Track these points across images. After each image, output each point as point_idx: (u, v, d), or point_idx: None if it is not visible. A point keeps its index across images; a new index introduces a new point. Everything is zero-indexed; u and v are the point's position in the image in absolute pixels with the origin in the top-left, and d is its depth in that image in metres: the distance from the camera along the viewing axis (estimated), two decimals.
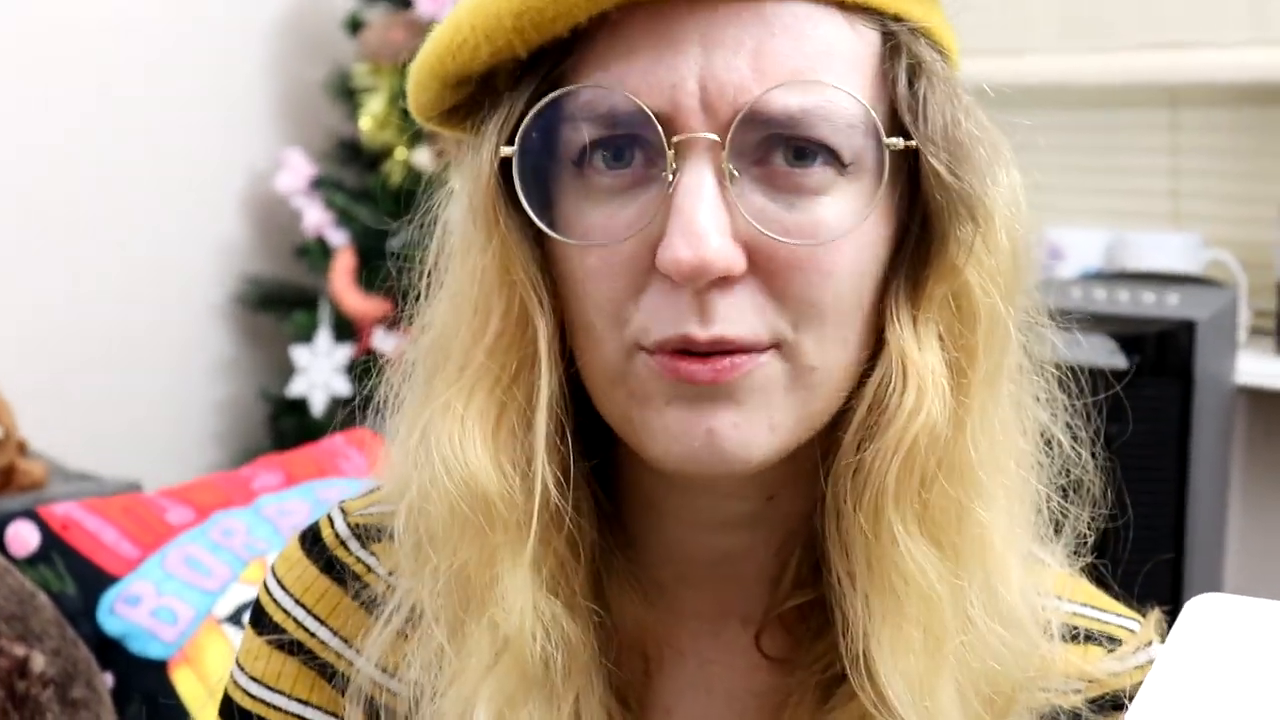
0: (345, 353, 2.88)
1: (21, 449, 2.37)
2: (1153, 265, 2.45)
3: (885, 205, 0.74)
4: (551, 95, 0.72)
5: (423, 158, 2.78)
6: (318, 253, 2.92)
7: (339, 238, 2.88)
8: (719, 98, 0.70)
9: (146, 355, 2.93)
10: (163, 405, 2.97)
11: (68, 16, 2.75)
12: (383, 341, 2.78)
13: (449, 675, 0.77)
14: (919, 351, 0.74)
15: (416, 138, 2.79)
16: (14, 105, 2.69)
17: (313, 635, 0.86)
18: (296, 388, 2.89)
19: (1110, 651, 0.85)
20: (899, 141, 0.73)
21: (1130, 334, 2.08)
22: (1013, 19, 2.67)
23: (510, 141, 0.73)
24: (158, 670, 2.02)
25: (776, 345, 0.72)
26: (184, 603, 2.09)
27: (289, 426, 2.93)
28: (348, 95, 2.92)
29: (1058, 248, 2.59)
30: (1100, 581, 0.88)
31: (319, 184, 2.93)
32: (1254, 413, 2.45)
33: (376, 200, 2.86)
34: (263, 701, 0.86)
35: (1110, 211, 2.69)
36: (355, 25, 2.93)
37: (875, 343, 0.75)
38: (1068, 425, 0.82)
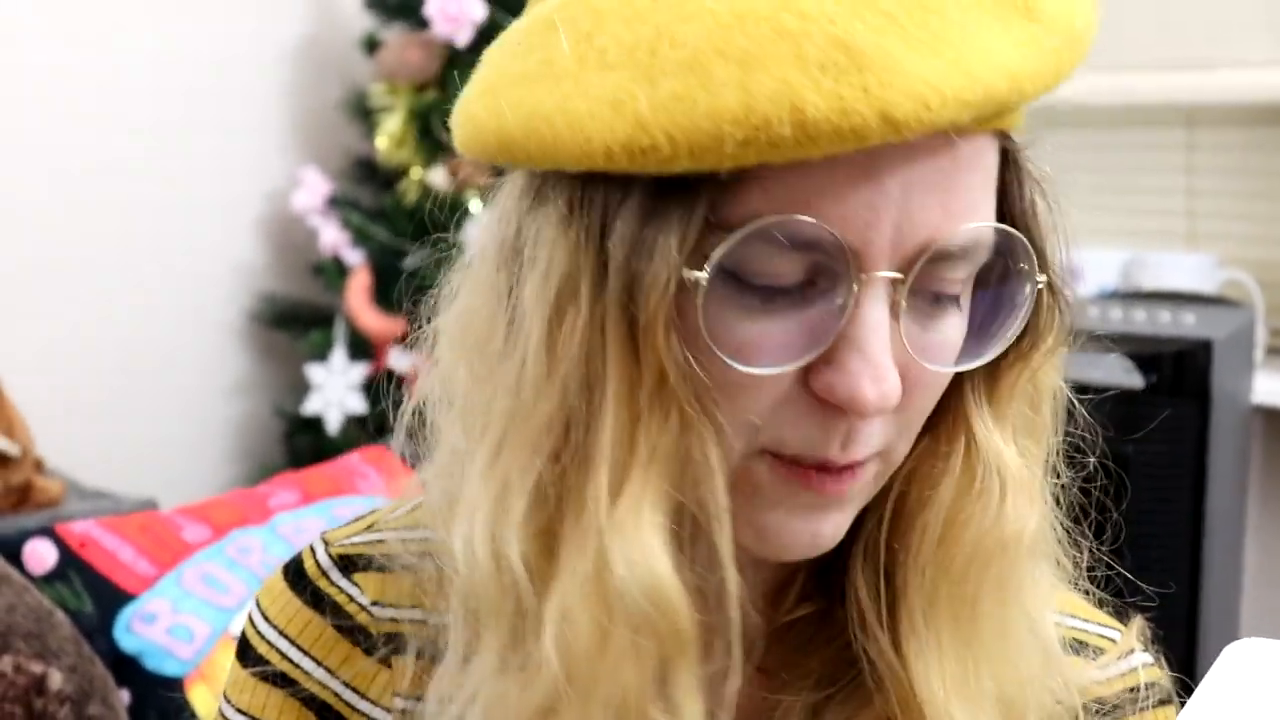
0: (360, 371, 2.89)
1: (39, 466, 2.38)
2: (1169, 285, 2.44)
3: None
4: (757, 225, 0.66)
5: (438, 177, 2.79)
6: (333, 271, 2.93)
7: (355, 256, 2.89)
8: (910, 237, 0.67)
9: (163, 372, 2.94)
10: (179, 422, 2.98)
11: (88, 40, 2.76)
12: (398, 360, 2.79)
13: None
14: (1003, 443, 0.75)
15: (432, 157, 2.79)
16: (38, 127, 2.71)
17: (297, 666, 0.85)
18: (312, 405, 2.90)
19: (1093, 660, 0.86)
20: (1042, 279, 0.73)
21: (1147, 353, 2.08)
22: None
23: (696, 265, 0.66)
24: (174, 688, 2.03)
25: (881, 452, 0.73)
26: (200, 620, 2.09)
27: (304, 444, 2.94)
28: (364, 114, 2.92)
29: (1075, 267, 2.59)
30: (1116, 599, 0.89)
31: (335, 203, 2.94)
32: (1271, 432, 2.45)
33: (392, 219, 2.86)
34: None
35: (1127, 231, 2.69)
36: (372, 45, 2.94)
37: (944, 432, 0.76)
38: (1084, 444, 0.83)
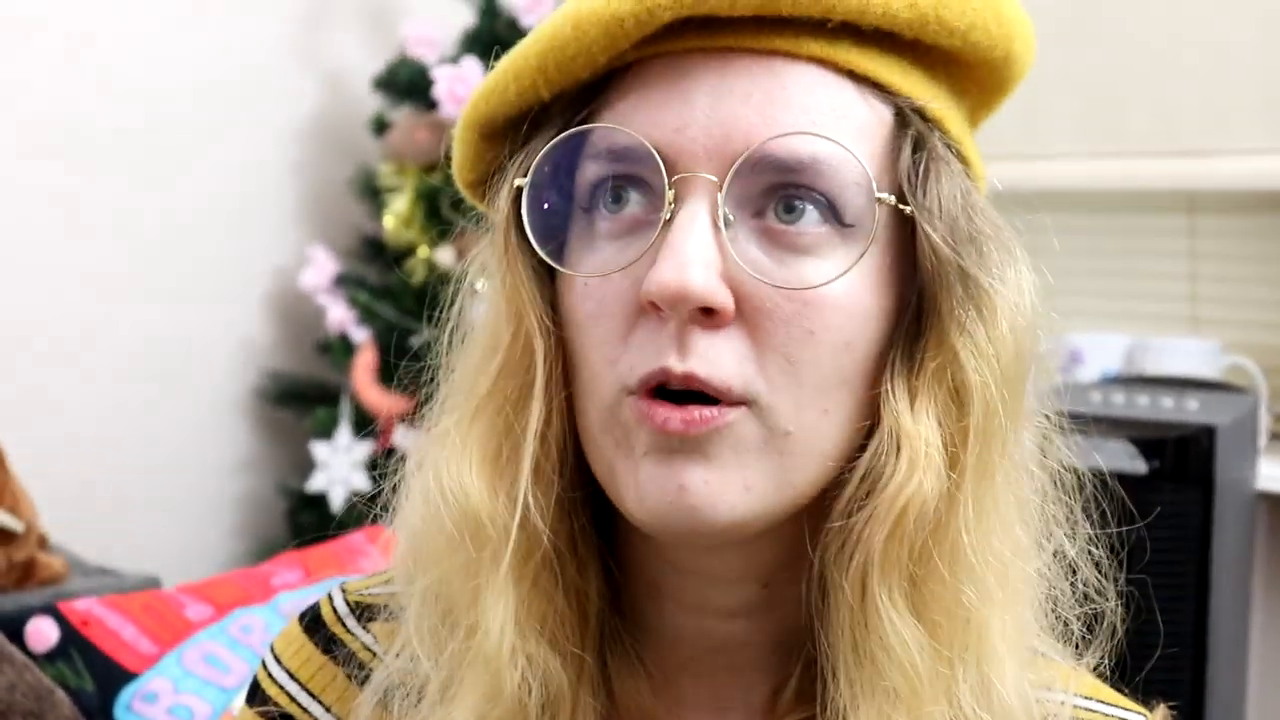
0: (365, 449, 2.89)
1: (42, 543, 2.37)
2: (1172, 370, 2.45)
3: (882, 275, 0.75)
4: (566, 134, 0.76)
5: (445, 256, 2.80)
6: (340, 349, 2.94)
7: (361, 334, 2.90)
8: (723, 142, 0.72)
9: (167, 448, 2.94)
10: (183, 499, 2.98)
11: (98, 116, 2.78)
12: (403, 438, 2.79)
13: (428, 698, 0.78)
14: (913, 422, 0.74)
15: (439, 237, 2.81)
16: (44, 203, 2.72)
17: (305, 710, 0.87)
18: (316, 483, 2.90)
19: None
20: (890, 198, 0.74)
21: (1150, 438, 2.08)
22: (1032, 124, 2.69)
23: (523, 173, 0.77)
24: None
25: (748, 403, 0.73)
26: (201, 700, 2.09)
27: (308, 521, 2.93)
28: (372, 194, 2.94)
29: (1077, 351, 2.60)
30: (1121, 687, 0.88)
31: (342, 281, 2.95)
32: (1275, 519, 2.44)
33: (398, 298, 2.88)
34: None
35: (1129, 316, 2.70)
36: (381, 126, 2.96)
37: (874, 420, 0.75)
38: (1085, 531, 0.82)
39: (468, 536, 0.76)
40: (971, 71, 0.79)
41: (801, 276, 0.72)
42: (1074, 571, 0.81)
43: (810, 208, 0.73)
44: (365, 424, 2.89)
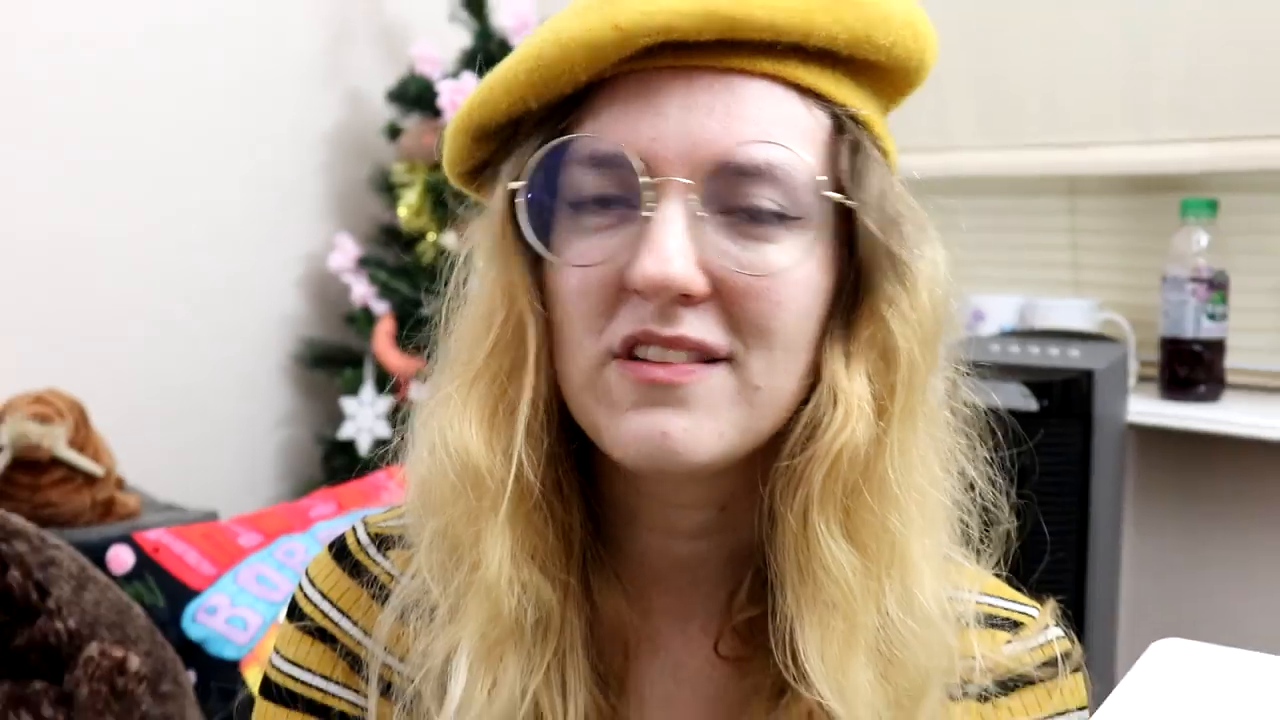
0: (386, 403, 2.89)
1: (120, 485, 2.37)
2: (1057, 324, 2.46)
3: (826, 257, 0.76)
4: (554, 142, 0.75)
5: (451, 240, 2.79)
6: (363, 320, 2.93)
7: (381, 307, 2.89)
8: (692, 149, 0.72)
9: (222, 405, 2.94)
10: (236, 446, 2.97)
11: (161, 129, 2.77)
12: (418, 392, 2.79)
13: (439, 620, 0.78)
14: (848, 381, 0.75)
15: (445, 224, 2.80)
16: (121, 205, 2.71)
17: (336, 625, 0.87)
18: (346, 432, 2.90)
19: (1013, 636, 0.85)
20: (838, 196, 0.74)
21: (1040, 381, 2.09)
22: (941, 121, 2.70)
23: (519, 179, 0.76)
24: (232, 668, 2.03)
25: (729, 359, 0.74)
26: (254, 612, 2.09)
27: (340, 464, 2.93)
28: (388, 189, 2.93)
29: (979, 311, 2.61)
30: (1018, 585, 0.89)
31: (364, 262, 2.95)
32: (1142, 446, 2.46)
33: (412, 275, 2.87)
34: (293, 678, 0.87)
35: (1022, 281, 2.71)
36: (394, 132, 2.95)
37: (816, 378, 0.76)
38: (986, 459, 0.83)
39: (469, 486, 0.76)
40: (889, 75, 0.80)
41: (765, 260, 0.73)
42: (974, 489, 0.82)
43: (768, 204, 0.73)
44: (386, 382, 2.89)
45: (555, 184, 0.77)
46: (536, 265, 0.78)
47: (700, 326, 0.73)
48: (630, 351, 0.73)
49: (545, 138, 0.76)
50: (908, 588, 0.76)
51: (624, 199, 0.74)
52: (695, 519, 0.81)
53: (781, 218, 0.73)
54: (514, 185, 0.76)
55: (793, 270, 0.73)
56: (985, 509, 0.83)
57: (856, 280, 0.76)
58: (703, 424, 0.73)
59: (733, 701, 0.81)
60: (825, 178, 0.74)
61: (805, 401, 0.76)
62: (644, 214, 0.72)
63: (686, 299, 0.72)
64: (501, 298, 0.77)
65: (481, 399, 0.77)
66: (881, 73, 0.79)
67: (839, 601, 0.74)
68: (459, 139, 0.80)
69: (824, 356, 0.76)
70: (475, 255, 0.81)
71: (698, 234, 0.72)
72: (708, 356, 0.73)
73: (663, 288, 0.71)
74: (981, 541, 0.83)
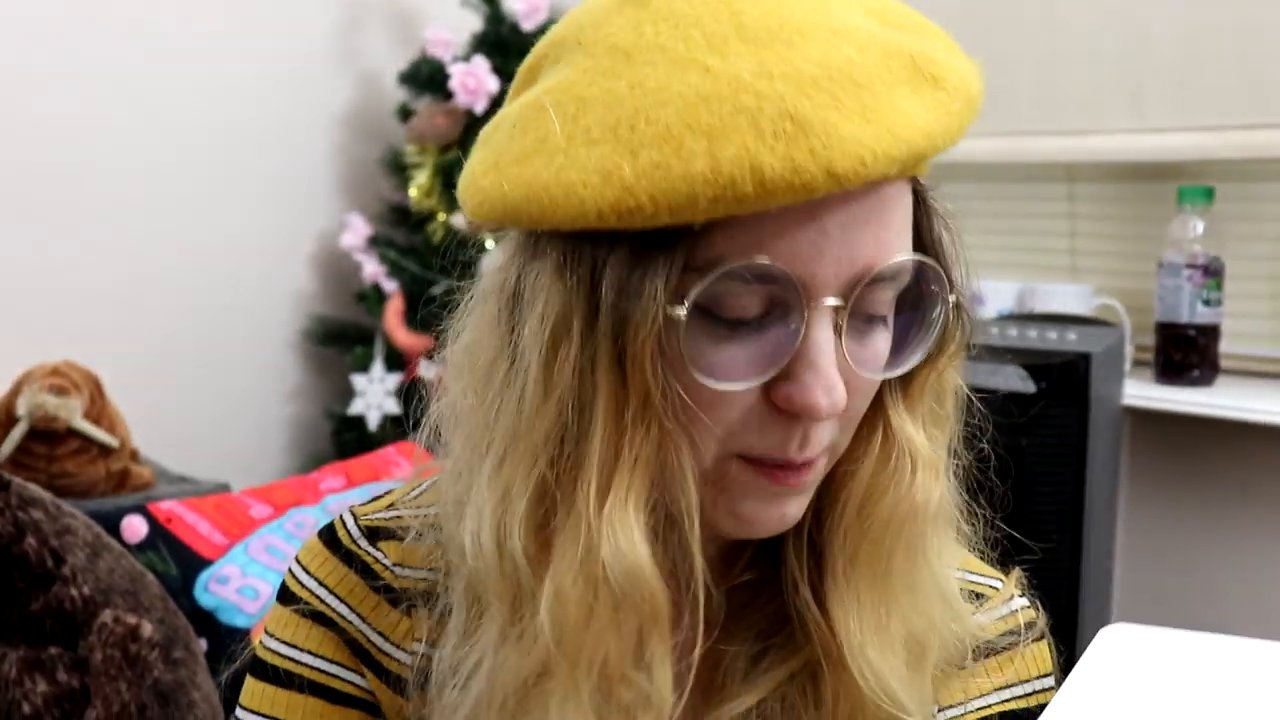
0: (395, 379, 2.89)
1: (134, 456, 2.38)
2: (1055, 309, 2.46)
3: None
4: (729, 267, 0.66)
5: (460, 220, 2.79)
6: (374, 298, 2.93)
7: (391, 285, 2.89)
8: (849, 268, 0.68)
9: (236, 380, 2.94)
10: (248, 421, 2.98)
11: (181, 111, 2.77)
12: (426, 370, 2.79)
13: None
14: (914, 430, 0.75)
15: (455, 205, 2.80)
16: (141, 181, 2.71)
17: (332, 608, 0.85)
18: (355, 408, 2.90)
19: (978, 608, 0.85)
20: (953, 298, 0.74)
21: (1038, 364, 2.09)
22: None
23: (677, 300, 0.66)
24: (242, 637, 2.03)
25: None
26: (264, 582, 2.10)
27: (349, 439, 2.93)
28: (399, 170, 2.92)
29: (979, 295, 2.60)
30: (1006, 562, 0.89)
31: (375, 242, 2.94)
32: (1136, 429, 2.46)
33: (422, 255, 2.87)
34: (288, 658, 0.85)
35: (1021, 266, 2.71)
36: (405, 113, 2.94)
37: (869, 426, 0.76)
38: (987, 439, 0.83)
39: (638, 610, 0.70)
40: None
41: (875, 352, 0.72)
42: (974, 469, 0.82)
43: (887, 306, 0.72)
44: (395, 359, 2.89)
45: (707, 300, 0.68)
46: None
47: (826, 436, 0.72)
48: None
49: (691, 246, 0.67)
50: (933, 566, 0.78)
51: (776, 319, 0.69)
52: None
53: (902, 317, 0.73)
54: (676, 311, 0.67)
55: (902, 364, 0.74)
56: (984, 491, 0.83)
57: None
58: (809, 497, 0.75)
59: (711, 663, 0.80)
60: (930, 262, 0.72)
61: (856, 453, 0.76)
62: (797, 330, 0.68)
63: None
64: (641, 416, 0.69)
65: (640, 505, 0.69)
66: None
67: (885, 592, 0.76)
68: (551, 220, 0.68)
69: (888, 407, 0.76)
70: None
71: (843, 349, 0.69)
72: None
73: (830, 416, 0.69)
74: (975, 520, 0.83)
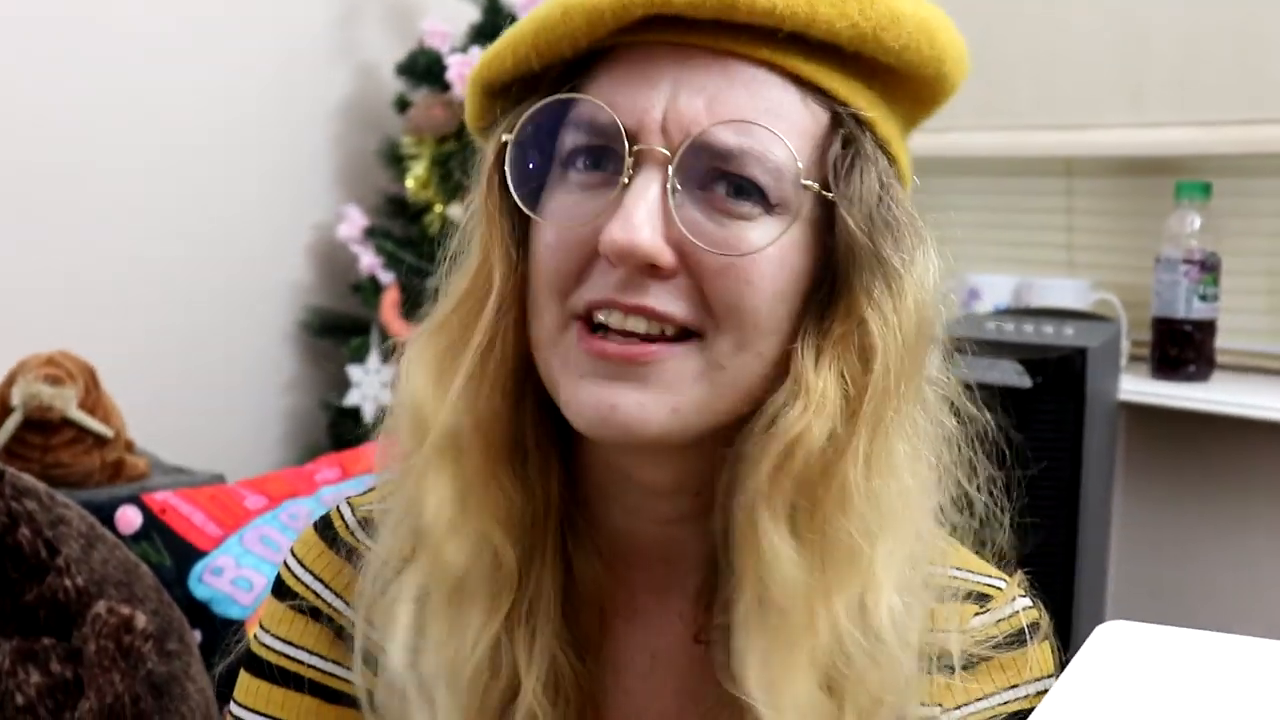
0: (391, 371, 2.88)
1: (129, 447, 2.37)
2: (1052, 303, 2.46)
3: (804, 247, 0.74)
4: (547, 100, 0.75)
5: (457, 212, 2.77)
6: (370, 289, 2.92)
7: (387, 277, 2.88)
8: (675, 125, 0.71)
9: (231, 370, 2.93)
10: (243, 412, 2.97)
11: (177, 104, 2.76)
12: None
13: (392, 570, 0.78)
14: (815, 375, 0.73)
15: (452, 196, 2.79)
16: (138, 174, 2.70)
17: (327, 603, 0.85)
18: (351, 399, 2.89)
19: (981, 609, 0.84)
20: (814, 184, 0.73)
21: (1034, 359, 2.08)
22: None
23: (512, 131, 0.76)
24: (237, 628, 2.02)
25: (698, 336, 0.72)
26: (258, 573, 2.09)
27: (345, 431, 2.93)
28: (396, 161, 2.92)
29: (975, 289, 2.60)
30: (1007, 554, 0.88)
31: (371, 233, 2.93)
32: (1133, 423, 2.46)
33: (418, 247, 2.86)
34: (284, 655, 0.85)
35: (1018, 260, 2.71)
36: (403, 104, 2.94)
37: (786, 370, 0.74)
38: (979, 435, 0.82)
39: (412, 430, 0.76)
40: (905, 84, 0.77)
41: (738, 239, 0.71)
42: (967, 474, 0.81)
43: (745, 187, 0.72)
44: (391, 351, 2.88)
45: (546, 143, 0.76)
46: (523, 223, 0.77)
47: (665, 299, 0.72)
48: (592, 318, 0.73)
49: (544, 96, 0.76)
50: (863, 601, 0.74)
51: (608, 165, 0.74)
52: (669, 505, 0.80)
53: (758, 201, 0.72)
54: (506, 137, 0.76)
55: (765, 252, 0.72)
56: (981, 485, 0.82)
57: (836, 274, 0.74)
58: (659, 398, 0.72)
59: (707, 689, 0.79)
60: (805, 166, 0.73)
61: (769, 391, 0.74)
62: (622, 181, 0.72)
63: (653, 270, 0.71)
64: (479, 249, 0.77)
65: (437, 346, 0.77)
66: (897, 79, 0.77)
67: (781, 602, 0.72)
68: (473, 92, 0.81)
69: (795, 348, 0.74)
70: (474, 218, 0.80)
71: (670, 206, 0.71)
72: (673, 332, 0.72)
73: (628, 254, 0.70)
74: (970, 515, 0.82)
